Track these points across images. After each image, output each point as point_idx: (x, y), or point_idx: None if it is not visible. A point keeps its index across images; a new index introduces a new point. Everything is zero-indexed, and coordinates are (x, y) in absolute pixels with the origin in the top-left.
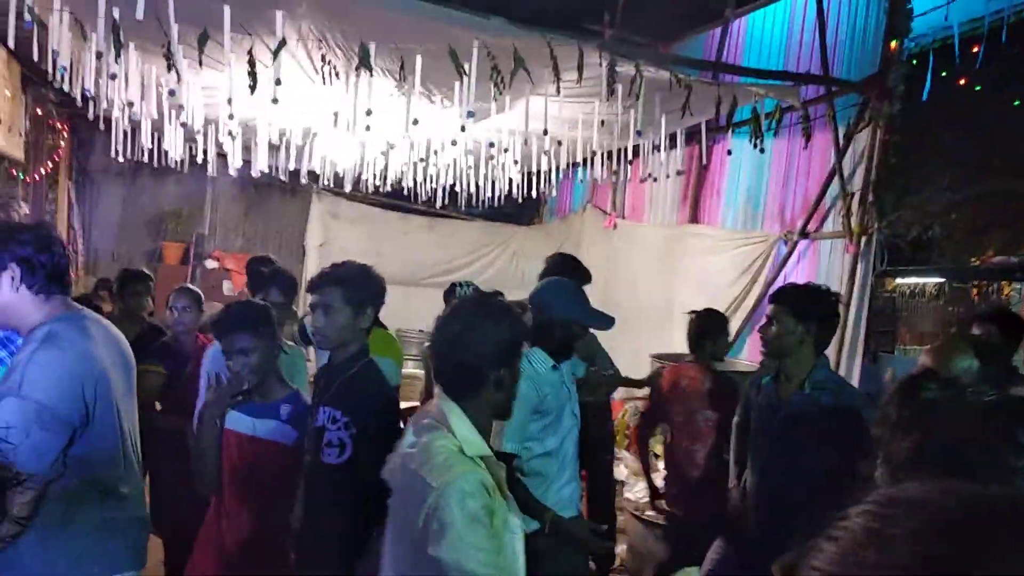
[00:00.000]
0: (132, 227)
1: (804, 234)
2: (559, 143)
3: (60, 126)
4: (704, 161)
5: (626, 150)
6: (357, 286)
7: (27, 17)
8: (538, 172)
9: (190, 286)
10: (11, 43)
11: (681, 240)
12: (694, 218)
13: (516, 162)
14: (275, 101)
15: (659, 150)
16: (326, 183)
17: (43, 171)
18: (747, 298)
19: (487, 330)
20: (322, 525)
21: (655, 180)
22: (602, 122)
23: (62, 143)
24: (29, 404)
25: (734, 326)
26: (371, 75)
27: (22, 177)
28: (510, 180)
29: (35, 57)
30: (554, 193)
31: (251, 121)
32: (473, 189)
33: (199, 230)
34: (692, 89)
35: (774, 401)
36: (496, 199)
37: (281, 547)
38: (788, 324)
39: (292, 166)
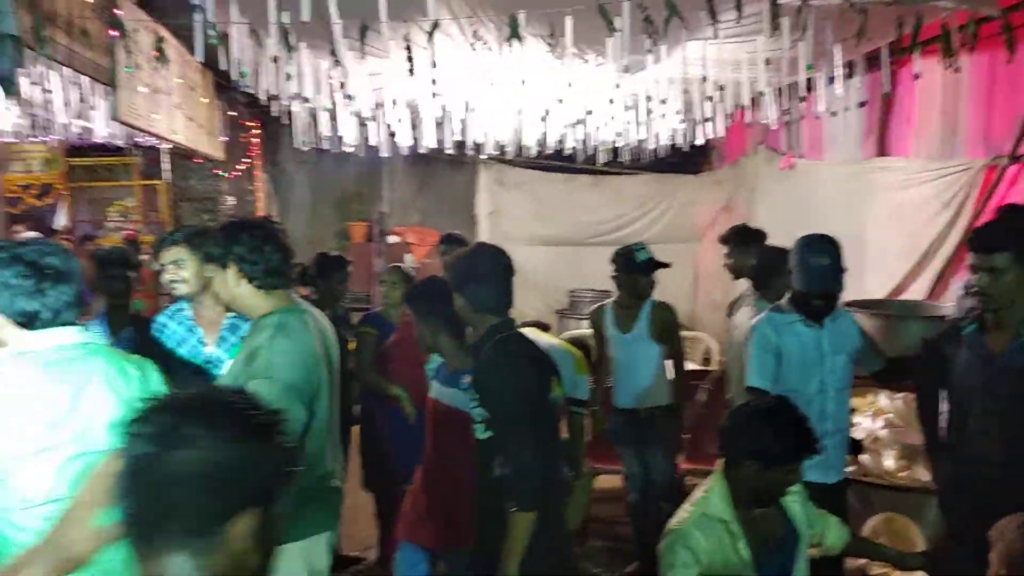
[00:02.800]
0: (320, 210)
1: (1015, 158)
2: (721, 88)
3: (251, 124)
4: (888, 88)
5: (796, 85)
6: None
7: (211, 33)
8: (703, 119)
9: (401, 265)
10: (200, 56)
11: (868, 176)
12: (882, 151)
13: (678, 112)
14: (434, 82)
15: (835, 82)
16: (490, 152)
17: (240, 167)
18: (951, 234)
19: (758, 425)
20: (479, 498)
21: (834, 114)
22: (767, 60)
23: (254, 140)
24: (278, 383)
25: (936, 266)
26: (522, 44)
27: (224, 175)
28: (673, 130)
29: (222, 66)
30: (722, 138)
31: (414, 101)
32: (635, 143)
33: (379, 208)
34: (867, 12)
35: (984, 353)
36: (660, 150)
37: (464, 514)
38: (1014, 268)
39: (457, 138)
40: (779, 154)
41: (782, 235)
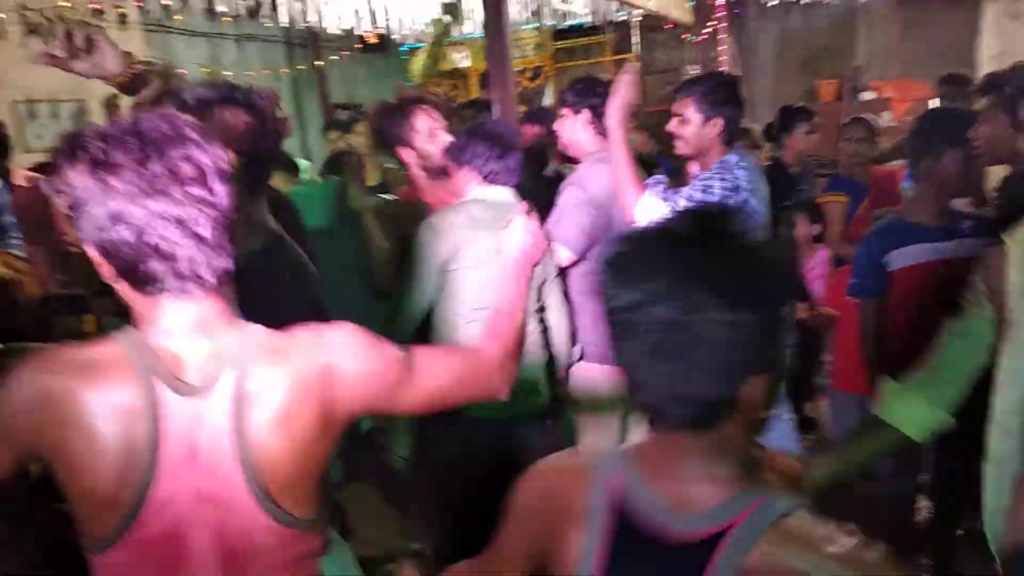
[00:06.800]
0: (786, 70)
1: None
2: None
3: None
4: None
5: None
6: None
7: None
8: None
9: (865, 116)
10: None
11: None
12: None
13: None
14: None
15: None
16: None
17: (707, 31)
18: None
19: None
20: None
21: None
22: None
23: (720, 1)
24: None
25: None
26: None
27: (692, 39)
28: None
29: None
30: None
31: None
32: None
33: (854, 62)
34: None
35: None
36: None
37: None
38: None
39: None
40: None
41: None
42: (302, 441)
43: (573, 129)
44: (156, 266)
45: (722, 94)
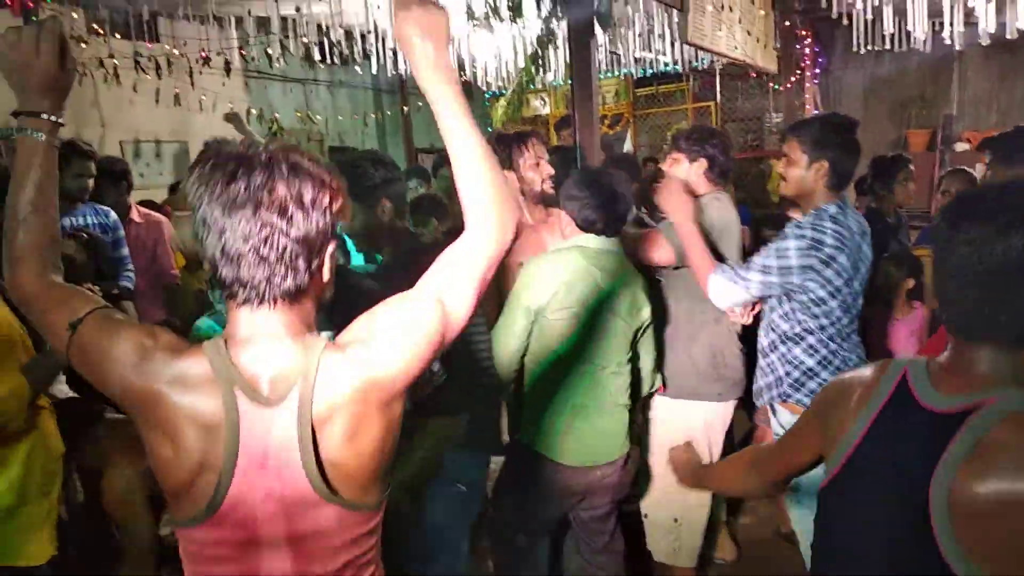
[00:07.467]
0: (874, 119)
1: None
2: None
3: (804, 33)
4: None
5: None
6: None
7: None
8: None
9: (966, 168)
10: None
11: None
12: None
13: None
14: None
15: None
16: None
17: (792, 79)
18: None
19: None
20: None
21: None
22: None
23: (807, 50)
24: None
25: None
26: None
27: (777, 87)
28: None
29: None
30: None
31: None
32: None
33: (946, 112)
34: None
35: None
36: None
37: None
38: None
39: None
40: None
41: None
42: (366, 444)
43: (687, 174)
44: (227, 272)
45: (830, 136)
